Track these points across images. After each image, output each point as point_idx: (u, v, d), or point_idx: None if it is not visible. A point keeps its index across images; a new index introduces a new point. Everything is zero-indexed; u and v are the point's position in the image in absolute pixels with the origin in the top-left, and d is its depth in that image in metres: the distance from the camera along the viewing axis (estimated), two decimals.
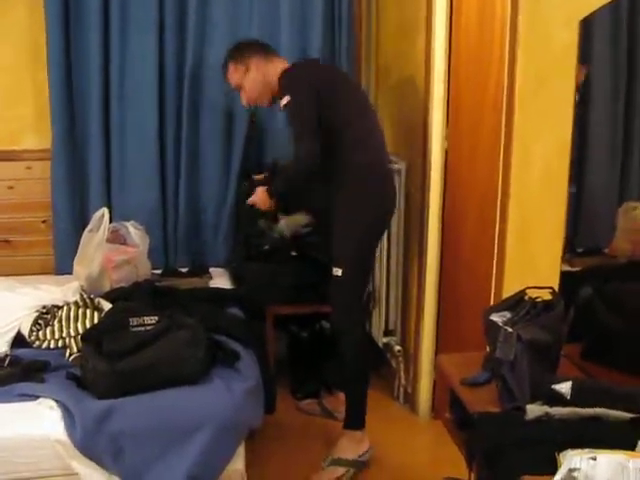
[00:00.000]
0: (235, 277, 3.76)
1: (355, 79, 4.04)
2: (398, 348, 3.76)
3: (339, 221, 3.09)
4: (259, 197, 3.26)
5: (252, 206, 3.35)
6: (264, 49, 3.30)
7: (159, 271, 3.79)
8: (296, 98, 3.00)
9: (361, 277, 3.18)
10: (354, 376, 3.18)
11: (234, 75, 3.30)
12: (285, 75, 3.14)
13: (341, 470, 3.12)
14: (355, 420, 3.17)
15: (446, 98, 3.28)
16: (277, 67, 3.21)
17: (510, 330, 1.87)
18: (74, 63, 3.83)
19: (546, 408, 1.70)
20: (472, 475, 1.82)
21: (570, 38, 2.09)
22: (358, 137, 3.09)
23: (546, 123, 2.34)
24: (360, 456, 3.16)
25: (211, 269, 3.86)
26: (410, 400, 3.70)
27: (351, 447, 3.16)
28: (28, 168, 4.03)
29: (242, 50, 3.29)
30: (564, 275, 2.26)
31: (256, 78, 3.25)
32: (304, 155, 2.95)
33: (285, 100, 3.02)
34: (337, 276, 3.07)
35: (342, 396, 3.47)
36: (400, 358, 3.75)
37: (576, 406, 1.69)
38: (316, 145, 2.93)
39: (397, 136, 3.82)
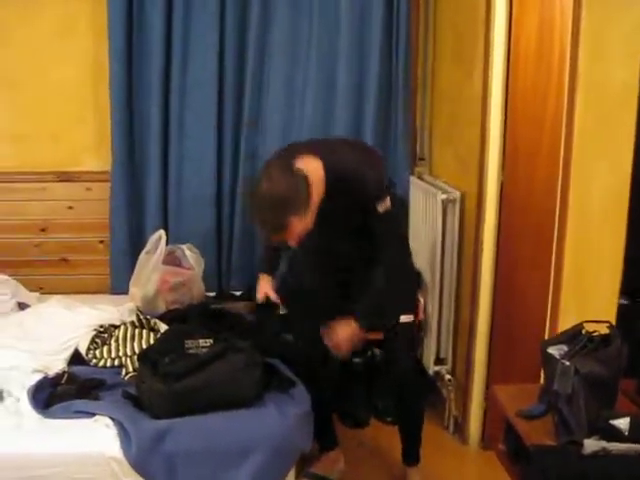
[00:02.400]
0: (286, 301, 3.78)
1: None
2: (449, 377, 3.74)
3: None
4: (348, 336, 2.81)
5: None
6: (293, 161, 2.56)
7: (213, 294, 3.83)
8: (392, 204, 2.66)
9: None
10: (421, 413, 3.21)
11: (296, 228, 2.50)
12: (371, 171, 2.63)
13: None
14: (419, 454, 3.22)
15: (503, 128, 3.27)
16: (311, 167, 2.56)
17: (568, 363, 1.87)
18: (135, 87, 3.93)
19: (603, 443, 1.69)
20: None
21: (631, 76, 2.09)
22: None
23: (605, 158, 2.33)
24: None
25: None
26: (460, 430, 3.68)
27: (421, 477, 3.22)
28: (88, 189, 4.13)
29: (300, 196, 2.46)
30: (622, 308, 2.24)
31: (306, 223, 2.54)
32: (408, 267, 2.94)
33: (386, 204, 2.63)
34: (408, 323, 3.01)
35: (332, 455, 3.36)
36: (450, 387, 3.73)
37: (634, 442, 1.68)
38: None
39: (452, 165, 3.82)
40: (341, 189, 2.59)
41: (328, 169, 2.60)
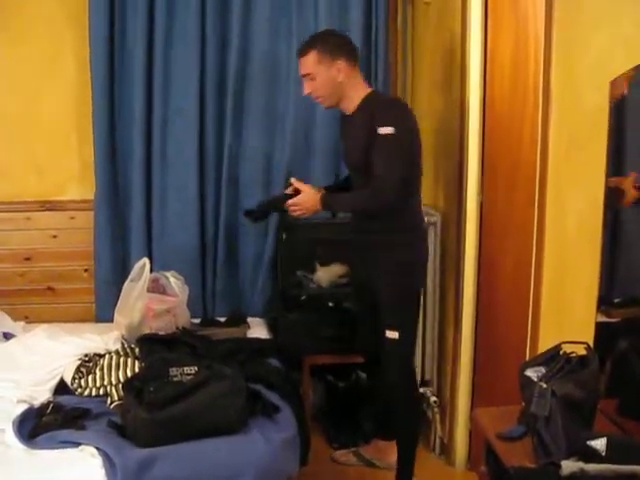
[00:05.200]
0: (272, 327, 3.81)
1: None
2: (434, 399, 3.76)
3: (393, 283, 3.09)
4: (308, 200, 3.08)
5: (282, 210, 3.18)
6: (355, 55, 3.13)
7: (198, 320, 3.83)
8: (400, 135, 2.91)
9: (414, 334, 3.26)
10: (410, 432, 3.25)
11: (313, 65, 3.05)
12: (392, 104, 3.13)
13: None
14: (409, 473, 3.25)
15: (481, 152, 3.32)
16: (357, 83, 3.11)
17: (545, 386, 1.89)
18: (118, 117, 3.97)
19: (581, 464, 1.71)
20: None
21: (602, 99, 2.14)
22: (419, 197, 3.19)
23: (580, 178, 2.38)
24: None
25: (249, 319, 3.88)
26: (446, 451, 3.69)
27: None
28: (72, 218, 4.15)
29: (335, 44, 3.07)
30: (600, 326, 2.27)
31: (335, 79, 3.05)
32: (389, 191, 2.93)
33: (387, 130, 2.89)
34: (393, 339, 3.08)
35: (381, 444, 3.54)
36: (436, 409, 3.75)
37: (611, 463, 1.70)
38: (402, 188, 2.95)
39: (432, 188, 3.86)
40: (372, 106, 3.05)
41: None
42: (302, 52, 3.09)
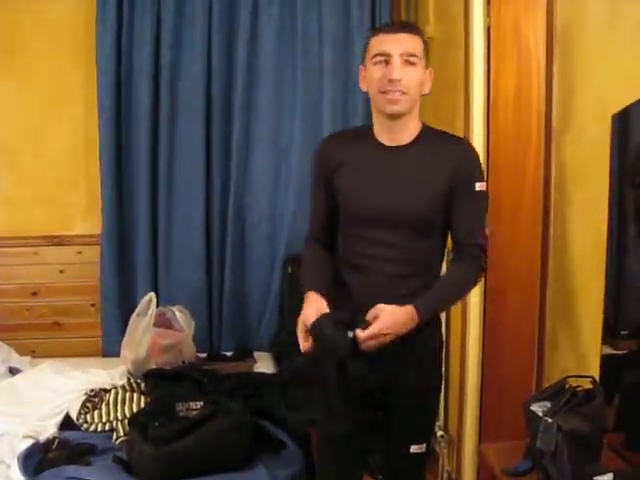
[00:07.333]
0: (279, 361, 3.80)
1: None
2: (441, 433, 3.73)
3: (428, 384, 2.42)
4: (396, 319, 2.12)
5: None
6: None
7: (204, 355, 3.84)
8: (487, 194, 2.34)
9: None
10: None
11: (420, 51, 2.24)
12: (473, 149, 2.36)
13: None
14: None
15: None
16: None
17: (550, 420, 1.88)
18: (124, 152, 4.01)
19: None
20: None
21: (603, 133, 2.15)
22: None
23: (583, 210, 2.39)
24: None
25: (255, 353, 3.90)
26: None
27: None
28: (79, 253, 4.18)
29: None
30: (606, 359, 2.25)
31: (424, 86, 2.32)
32: (486, 266, 2.36)
33: (483, 186, 2.27)
34: (421, 453, 2.44)
35: None
36: (443, 443, 3.72)
37: None
38: None
39: None
40: (448, 146, 2.35)
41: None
42: (412, 29, 2.28)
